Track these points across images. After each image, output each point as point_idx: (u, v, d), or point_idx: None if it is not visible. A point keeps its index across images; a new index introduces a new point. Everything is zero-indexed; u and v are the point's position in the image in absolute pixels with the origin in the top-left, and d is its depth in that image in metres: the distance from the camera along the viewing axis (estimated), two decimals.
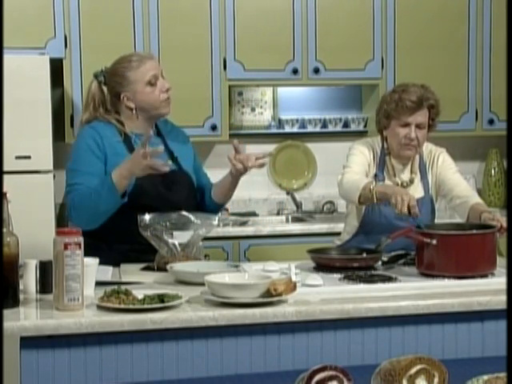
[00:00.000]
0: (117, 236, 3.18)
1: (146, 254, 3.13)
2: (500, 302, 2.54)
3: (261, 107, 5.23)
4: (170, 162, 3.17)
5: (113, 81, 3.25)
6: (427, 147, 3.48)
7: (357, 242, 3.40)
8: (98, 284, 2.63)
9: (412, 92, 3.29)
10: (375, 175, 3.36)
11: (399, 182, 3.37)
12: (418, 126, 3.30)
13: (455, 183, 3.36)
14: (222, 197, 3.39)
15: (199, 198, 3.40)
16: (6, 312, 2.33)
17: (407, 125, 3.30)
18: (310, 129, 5.25)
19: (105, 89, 3.28)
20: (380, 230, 3.27)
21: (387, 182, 3.36)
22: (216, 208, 3.39)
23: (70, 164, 3.23)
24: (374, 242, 3.13)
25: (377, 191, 3.07)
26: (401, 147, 3.33)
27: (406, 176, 3.39)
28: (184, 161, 3.33)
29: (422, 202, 3.32)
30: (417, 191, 3.35)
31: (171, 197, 3.22)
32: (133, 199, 3.14)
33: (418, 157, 3.41)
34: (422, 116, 3.30)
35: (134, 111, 3.24)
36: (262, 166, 3.23)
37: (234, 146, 3.23)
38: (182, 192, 3.28)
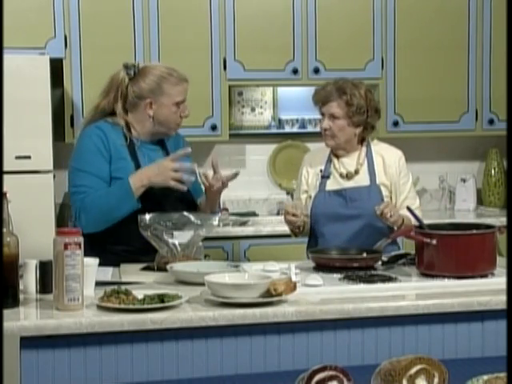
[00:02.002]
0: (111, 237, 3.17)
1: (139, 255, 3.14)
2: (500, 301, 2.54)
3: (261, 107, 5.23)
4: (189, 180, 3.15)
5: (143, 82, 3.22)
6: (381, 146, 3.54)
7: (314, 233, 3.48)
8: (98, 284, 2.63)
9: (323, 87, 3.45)
10: (320, 170, 3.50)
11: (344, 173, 3.47)
12: (333, 116, 3.40)
13: (399, 193, 3.46)
14: (206, 210, 3.39)
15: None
16: (6, 312, 2.33)
17: (323, 116, 3.44)
18: (309, 129, 5.25)
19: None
20: (326, 218, 3.42)
21: (333, 174, 3.49)
22: None
23: (76, 163, 3.20)
24: (327, 231, 3.40)
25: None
26: (323, 138, 3.49)
27: (351, 167, 3.48)
28: None
29: (369, 190, 3.42)
30: (363, 180, 3.45)
31: (167, 204, 3.21)
32: None
33: (364, 148, 3.50)
34: (333, 107, 3.40)
35: (151, 119, 3.24)
36: (225, 186, 3.28)
37: (212, 165, 3.25)
38: (179, 201, 3.26)
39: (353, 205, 3.39)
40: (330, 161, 3.51)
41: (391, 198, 3.44)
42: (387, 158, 3.48)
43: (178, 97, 3.24)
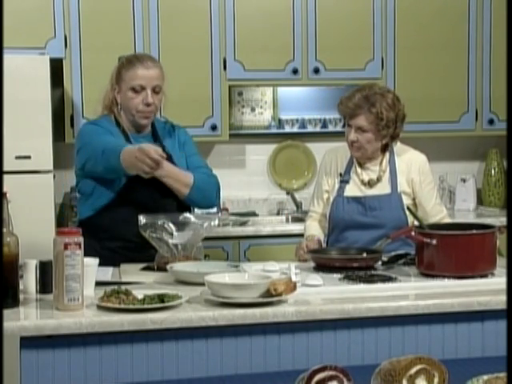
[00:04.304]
0: (107, 234, 3.18)
1: (136, 252, 3.14)
2: (500, 301, 2.54)
3: (261, 107, 5.23)
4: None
5: (116, 70, 3.27)
6: (405, 150, 3.48)
7: (333, 238, 3.45)
8: (98, 284, 2.63)
9: (350, 98, 3.33)
10: (340, 174, 3.44)
11: (366, 180, 3.40)
12: (360, 129, 3.32)
13: (426, 201, 3.40)
14: None
15: None
16: (6, 312, 2.33)
17: (350, 127, 3.35)
18: (310, 129, 5.26)
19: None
20: (344, 224, 3.38)
21: (353, 180, 3.42)
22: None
23: (78, 146, 3.24)
24: (345, 237, 3.36)
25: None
26: (349, 148, 3.40)
27: (374, 174, 3.41)
28: (179, 163, 3.32)
29: (390, 198, 3.36)
30: (384, 188, 3.38)
31: (162, 197, 3.21)
32: (123, 197, 3.15)
33: (387, 154, 3.43)
34: (361, 120, 3.30)
35: (118, 106, 3.25)
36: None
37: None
38: (173, 194, 3.26)
39: (372, 213, 3.33)
40: (351, 164, 3.44)
41: (414, 205, 3.38)
42: (410, 164, 3.41)
43: (131, 82, 3.20)
